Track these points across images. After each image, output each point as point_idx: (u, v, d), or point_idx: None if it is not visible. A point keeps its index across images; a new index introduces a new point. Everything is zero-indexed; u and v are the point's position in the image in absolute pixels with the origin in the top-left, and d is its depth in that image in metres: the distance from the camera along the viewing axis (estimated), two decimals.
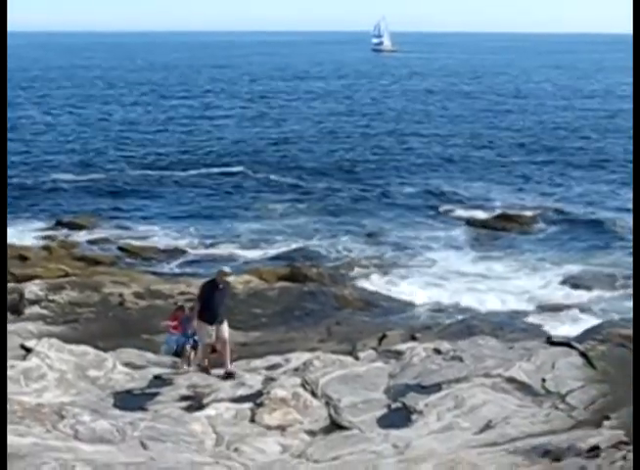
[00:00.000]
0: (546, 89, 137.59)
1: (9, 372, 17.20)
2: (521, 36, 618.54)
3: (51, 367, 17.87)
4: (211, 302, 17.90)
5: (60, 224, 44.11)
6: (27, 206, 47.99)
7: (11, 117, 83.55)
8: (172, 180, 57.42)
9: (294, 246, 41.81)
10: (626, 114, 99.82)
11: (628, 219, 47.89)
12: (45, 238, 41.02)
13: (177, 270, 37.53)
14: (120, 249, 39.92)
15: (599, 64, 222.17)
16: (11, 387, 16.41)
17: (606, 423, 16.11)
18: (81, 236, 42.15)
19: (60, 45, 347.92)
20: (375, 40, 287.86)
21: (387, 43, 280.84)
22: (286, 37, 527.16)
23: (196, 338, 19.46)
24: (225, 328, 18.25)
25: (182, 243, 41.89)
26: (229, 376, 17.92)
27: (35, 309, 28.25)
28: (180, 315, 20.33)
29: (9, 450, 11.96)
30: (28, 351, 18.79)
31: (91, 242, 41.20)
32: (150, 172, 59.87)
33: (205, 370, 18.42)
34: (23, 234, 41.50)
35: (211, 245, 41.77)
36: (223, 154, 68.96)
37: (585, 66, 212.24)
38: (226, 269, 18.75)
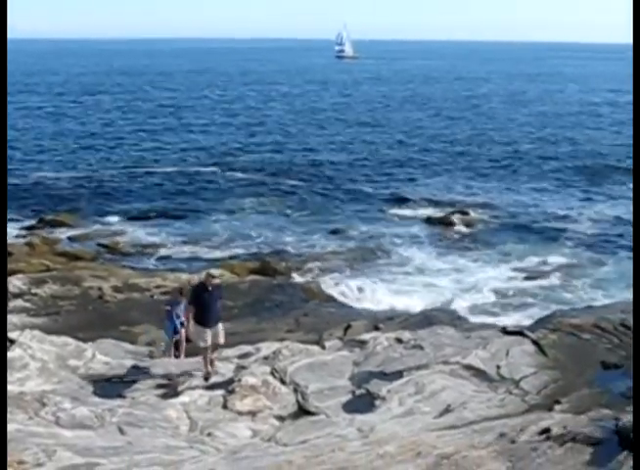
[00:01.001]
0: (499, 93, 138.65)
1: None
2: (482, 44, 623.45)
3: (33, 357, 17.73)
4: (203, 304, 17.09)
5: (42, 222, 43.79)
6: (11, 204, 47.52)
7: None
8: (149, 179, 57.13)
9: (263, 241, 41.83)
10: (569, 116, 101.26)
11: (572, 215, 48.56)
12: (28, 235, 40.66)
13: (154, 265, 37.33)
14: (100, 245, 39.73)
15: (546, 70, 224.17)
16: None
17: (557, 407, 16.21)
18: (62, 233, 41.86)
19: (52, 52, 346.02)
20: (337, 48, 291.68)
21: (348, 50, 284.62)
22: (258, 44, 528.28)
23: (181, 321, 19.62)
24: (219, 331, 17.38)
25: (159, 239, 41.71)
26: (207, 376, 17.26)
27: (19, 302, 28.07)
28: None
29: None
30: (12, 342, 18.62)
31: (72, 238, 40.95)
32: (128, 171, 59.60)
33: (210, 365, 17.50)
34: (8, 231, 41.14)
35: (186, 241, 41.57)
36: (195, 155, 68.43)
37: (535, 71, 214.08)
38: (213, 272, 17.80)
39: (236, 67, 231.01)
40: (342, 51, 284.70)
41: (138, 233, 42.76)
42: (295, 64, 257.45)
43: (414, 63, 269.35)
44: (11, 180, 53.80)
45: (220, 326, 17.41)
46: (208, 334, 17.03)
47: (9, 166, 57.91)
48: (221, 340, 17.48)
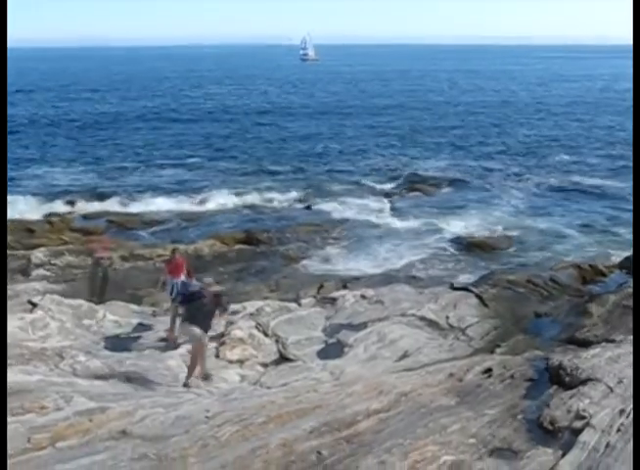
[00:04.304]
0: (443, 88, 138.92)
1: (19, 323, 16.92)
2: (433, 47, 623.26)
3: (53, 318, 17.61)
4: (196, 308, 14.30)
5: (58, 200, 43.60)
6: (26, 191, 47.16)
7: None
8: (149, 167, 56.65)
9: (248, 214, 41.79)
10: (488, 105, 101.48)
11: (510, 186, 49.02)
12: (48, 215, 40.22)
13: (156, 237, 37.01)
14: (109, 221, 39.43)
15: (486, 67, 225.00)
16: (20, 335, 16.19)
17: (497, 350, 16.29)
18: (77, 212, 41.51)
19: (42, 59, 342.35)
20: (301, 51, 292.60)
21: (311, 53, 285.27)
22: (231, 50, 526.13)
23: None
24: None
25: (159, 215, 41.36)
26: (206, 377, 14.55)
27: (40, 272, 27.86)
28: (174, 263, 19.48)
29: (19, 387, 11.73)
30: (34, 305, 18.51)
31: (85, 217, 40.58)
32: (129, 162, 59.05)
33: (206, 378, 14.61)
34: (30, 211, 40.81)
35: (183, 216, 41.25)
36: (184, 146, 67.88)
37: (479, 68, 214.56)
38: (208, 280, 14.93)
39: (216, 67, 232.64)
40: (305, 54, 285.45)
41: (141, 211, 42.42)
42: (268, 64, 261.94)
43: (369, 63, 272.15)
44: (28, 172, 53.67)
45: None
46: (198, 335, 14.27)
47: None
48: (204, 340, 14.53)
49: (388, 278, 27.66)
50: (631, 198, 41.49)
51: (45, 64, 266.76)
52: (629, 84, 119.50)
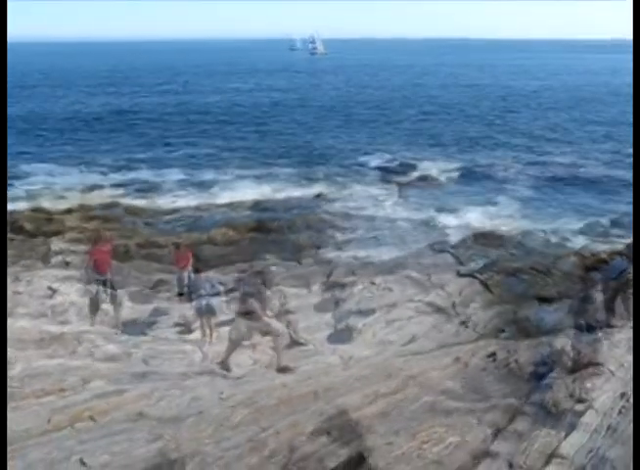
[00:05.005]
0: (445, 82, 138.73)
1: (39, 308, 17.02)
2: (426, 41, 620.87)
3: (72, 303, 17.68)
4: (245, 292, 13.32)
5: (76, 190, 43.76)
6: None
7: None
8: (161, 162, 56.61)
9: (258, 203, 41.73)
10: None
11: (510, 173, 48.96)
12: (66, 205, 40.23)
13: (171, 225, 37.04)
14: (125, 210, 39.49)
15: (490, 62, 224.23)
16: (41, 320, 16.30)
17: (501, 335, 16.27)
18: (94, 201, 41.58)
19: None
20: (310, 46, 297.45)
21: (320, 48, 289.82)
22: (249, 44, 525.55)
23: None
24: (274, 323, 13.82)
25: (173, 204, 41.44)
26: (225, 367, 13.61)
27: (60, 258, 27.86)
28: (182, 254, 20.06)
29: (39, 371, 11.80)
30: (54, 291, 18.57)
31: (102, 205, 40.66)
32: (141, 156, 59.10)
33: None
34: (49, 200, 40.91)
35: (196, 205, 41.26)
36: (196, 139, 67.86)
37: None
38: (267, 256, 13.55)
39: (233, 61, 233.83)
40: (314, 48, 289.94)
41: (155, 202, 42.48)
42: (279, 58, 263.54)
43: (371, 56, 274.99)
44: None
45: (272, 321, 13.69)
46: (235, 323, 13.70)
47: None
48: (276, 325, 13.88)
49: (396, 265, 27.59)
50: (631, 188, 41.32)
51: (47, 59, 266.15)
52: (629, 78, 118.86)
